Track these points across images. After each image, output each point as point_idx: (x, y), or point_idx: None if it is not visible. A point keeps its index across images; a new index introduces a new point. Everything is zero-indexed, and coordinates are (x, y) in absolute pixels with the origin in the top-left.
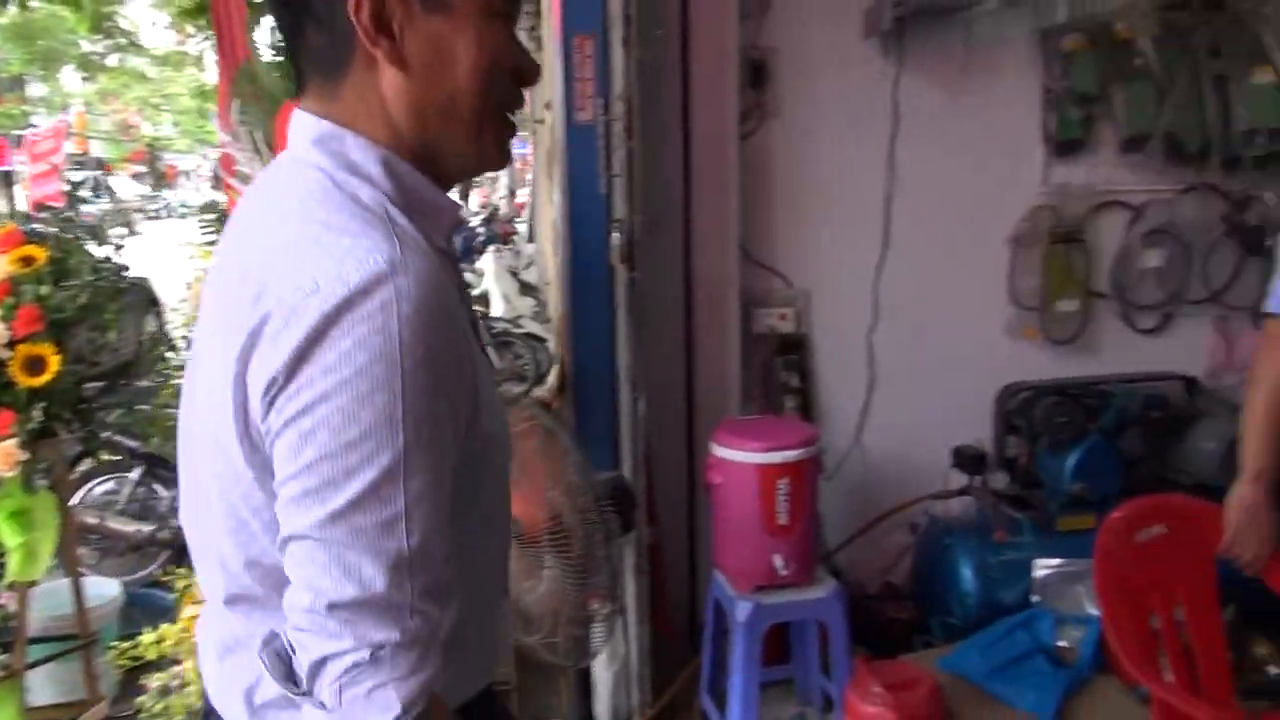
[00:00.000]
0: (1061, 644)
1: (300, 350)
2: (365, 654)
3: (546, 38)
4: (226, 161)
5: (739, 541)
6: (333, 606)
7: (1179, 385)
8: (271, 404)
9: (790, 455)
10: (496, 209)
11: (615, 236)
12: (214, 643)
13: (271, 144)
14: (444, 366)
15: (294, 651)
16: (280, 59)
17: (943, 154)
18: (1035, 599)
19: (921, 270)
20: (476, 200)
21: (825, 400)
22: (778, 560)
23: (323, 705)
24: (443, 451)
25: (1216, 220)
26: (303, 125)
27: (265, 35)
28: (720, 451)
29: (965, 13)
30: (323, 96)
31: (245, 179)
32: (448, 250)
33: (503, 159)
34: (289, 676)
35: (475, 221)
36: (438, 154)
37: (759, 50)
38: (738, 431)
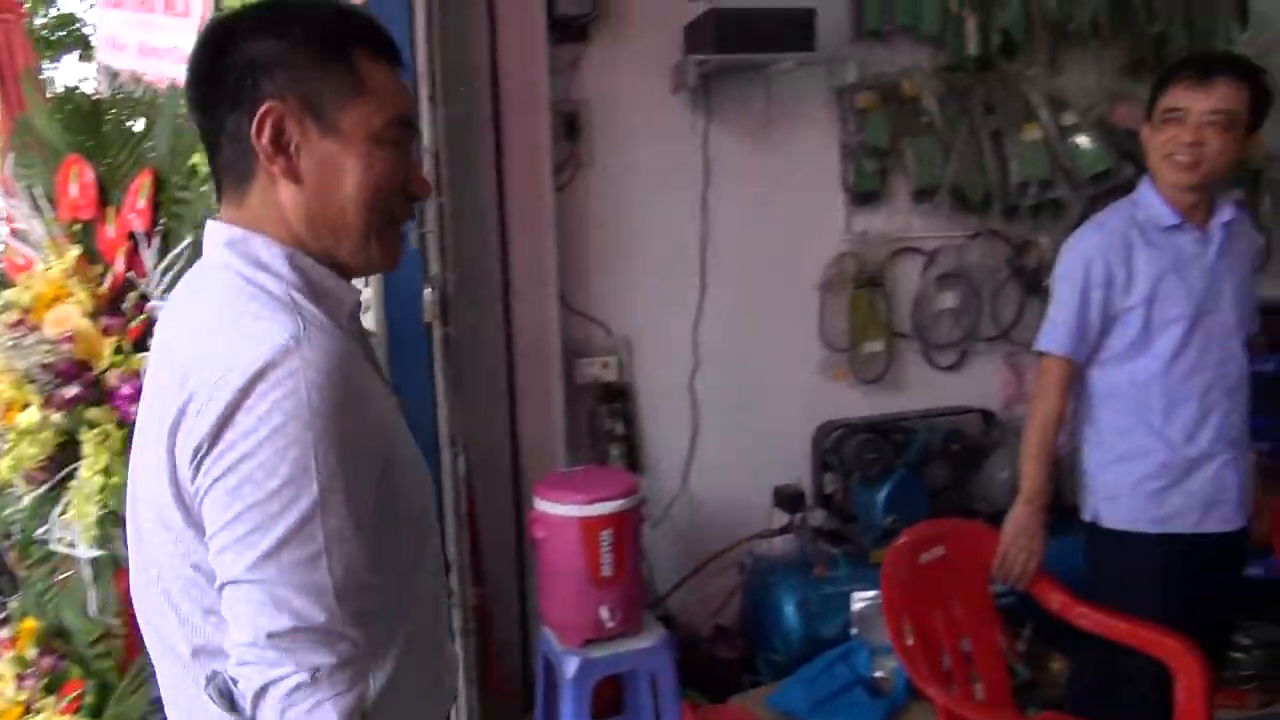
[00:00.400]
0: (878, 674)
1: (222, 418)
2: (305, 676)
3: None
4: (7, 219)
5: (565, 595)
6: (271, 636)
7: (977, 418)
8: (199, 468)
9: (612, 506)
10: None
11: (428, 293)
12: (184, 697)
13: (52, 198)
14: (350, 424)
15: (235, 684)
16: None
17: (753, 203)
18: (854, 631)
19: (738, 315)
20: None
21: (651, 447)
22: (604, 612)
23: None
24: (357, 495)
25: (1001, 264)
26: (215, 232)
27: (48, 83)
28: (543, 506)
29: (765, 71)
30: (233, 203)
31: (24, 237)
32: (354, 329)
33: (390, 263)
34: (231, 708)
35: None
36: (333, 255)
37: (572, 103)
38: (559, 485)
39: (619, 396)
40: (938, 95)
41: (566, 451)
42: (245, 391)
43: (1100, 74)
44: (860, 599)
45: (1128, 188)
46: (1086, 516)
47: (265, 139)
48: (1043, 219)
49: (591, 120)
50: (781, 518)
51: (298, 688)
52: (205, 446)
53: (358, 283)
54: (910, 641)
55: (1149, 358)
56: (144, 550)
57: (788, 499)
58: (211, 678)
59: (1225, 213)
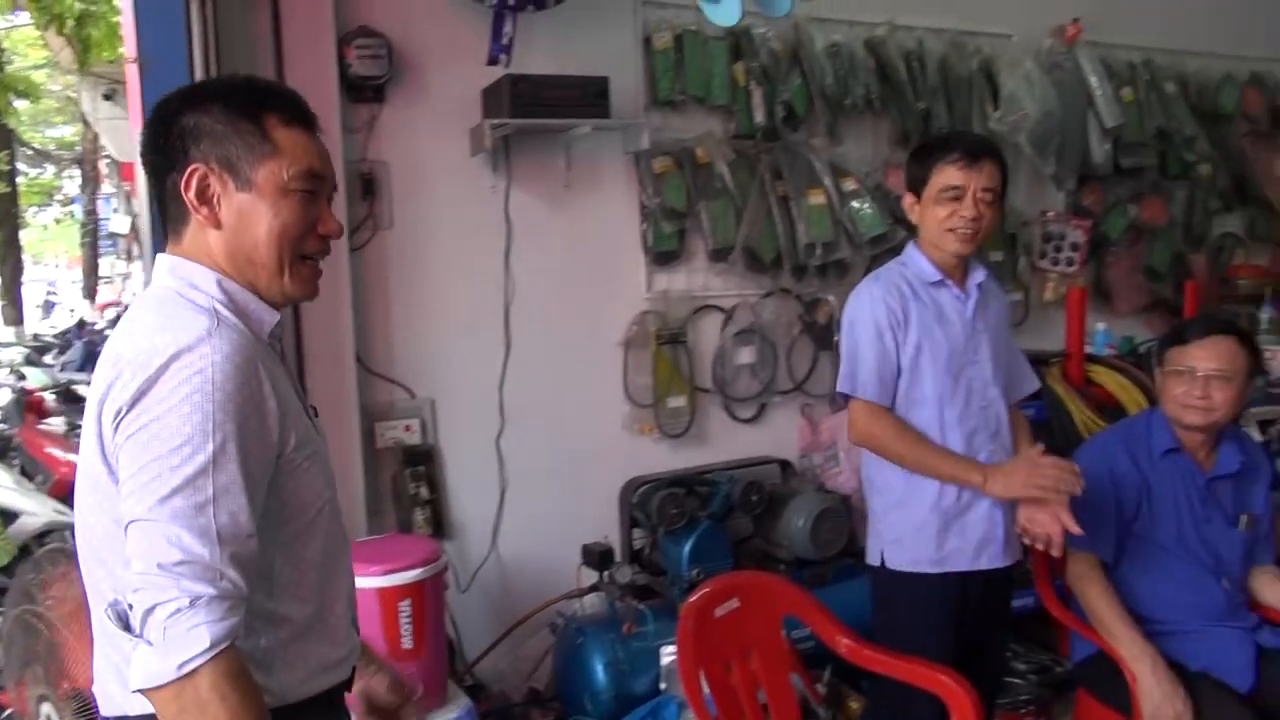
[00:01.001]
0: None
1: (141, 389)
2: (186, 601)
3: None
4: None
5: None
6: (161, 566)
7: (776, 467)
8: (118, 428)
9: (410, 576)
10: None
11: None
12: (104, 636)
13: None
14: (245, 404)
15: (130, 609)
16: None
17: (556, 263)
18: (663, 686)
19: (544, 374)
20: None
21: (458, 509)
22: None
23: (149, 642)
24: (245, 461)
25: (794, 320)
26: (162, 262)
27: None
28: None
29: (564, 135)
30: (174, 241)
31: None
32: (274, 346)
33: (306, 292)
34: (126, 629)
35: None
36: (254, 285)
37: (368, 164)
38: (357, 555)
39: (423, 459)
40: (729, 161)
41: (368, 519)
42: (162, 369)
43: (875, 144)
44: (668, 653)
45: (901, 249)
46: (874, 560)
47: (192, 193)
48: (829, 278)
49: (390, 181)
50: (590, 576)
51: (178, 610)
52: (124, 410)
53: None
54: (707, 694)
55: (920, 404)
56: (82, 515)
57: (596, 556)
58: (113, 604)
59: (978, 274)
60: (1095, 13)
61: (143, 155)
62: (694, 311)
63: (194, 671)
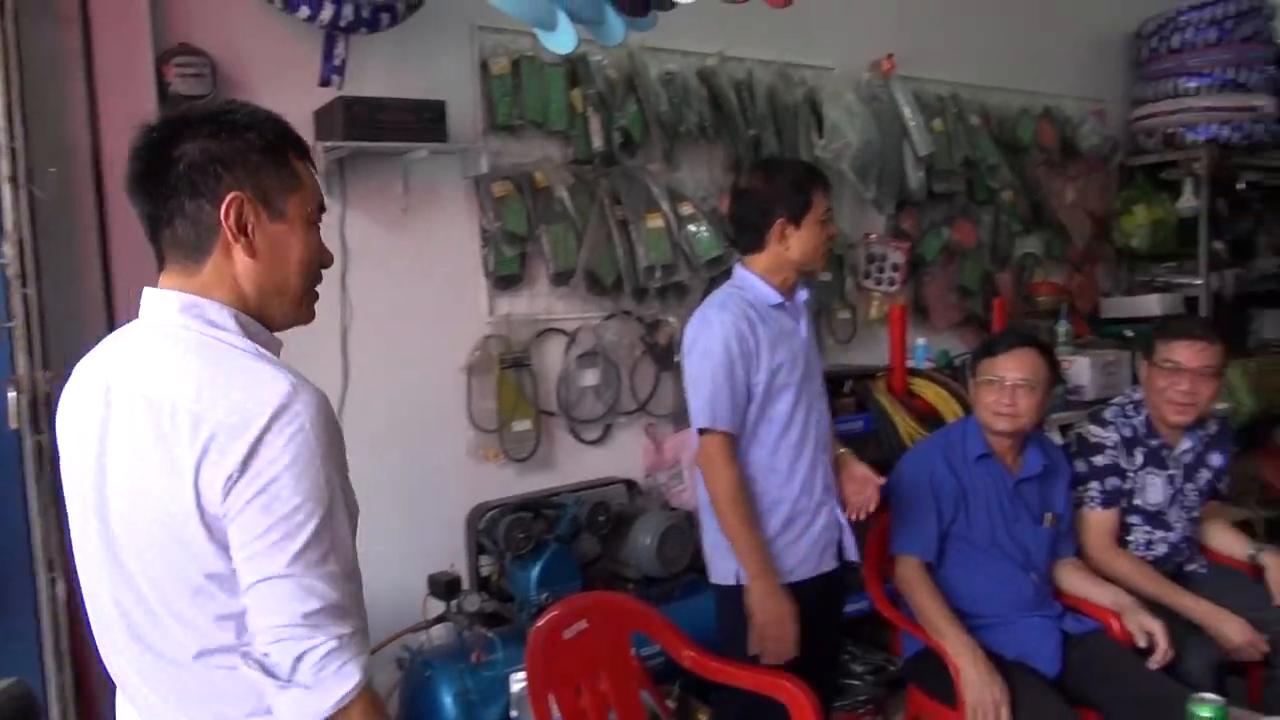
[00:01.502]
0: None
1: (249, 452)
2: (335, 643)
3: None
4: None
5: None
6: (306, 615)
7: (622, 488)
8: (229, 493)
9: None
10: None
11: (13, 396)
12: (175, 695)
13: None
14: (339, 453)
15: (265, 658)
16: None
17: (396, 287)
18: (514, 714)
19: (385, 400)
20: None
21: None
22: None
23: (305, 686)
24: (346, 503)
25: (636, 341)
26: (165, 299)
27: None
28: None
29: (402, 158)
30: (183, 273)
31: None
32: None
33: (310, 318)
34: (270, 675)
35: None
36: (269, 314)
37: None
38: None
39: None
40: (569, 186)
41: None
42: (266, 429)
43: (710, 169)
44: (518, 680)
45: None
46: (725, 579)
47: (231, 222)
48: (669, 300)
49: None
50: (438, 606)
51: (329, 652)
52: (236, 475)
53: None
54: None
55: (772, 422)
56: (127, 570)
57: (443, 586)
58: (245, 656)
59: (803, 293)
60: (907, 49)
61: (141, 176)
62: (537, 335)
63: (347, 706)
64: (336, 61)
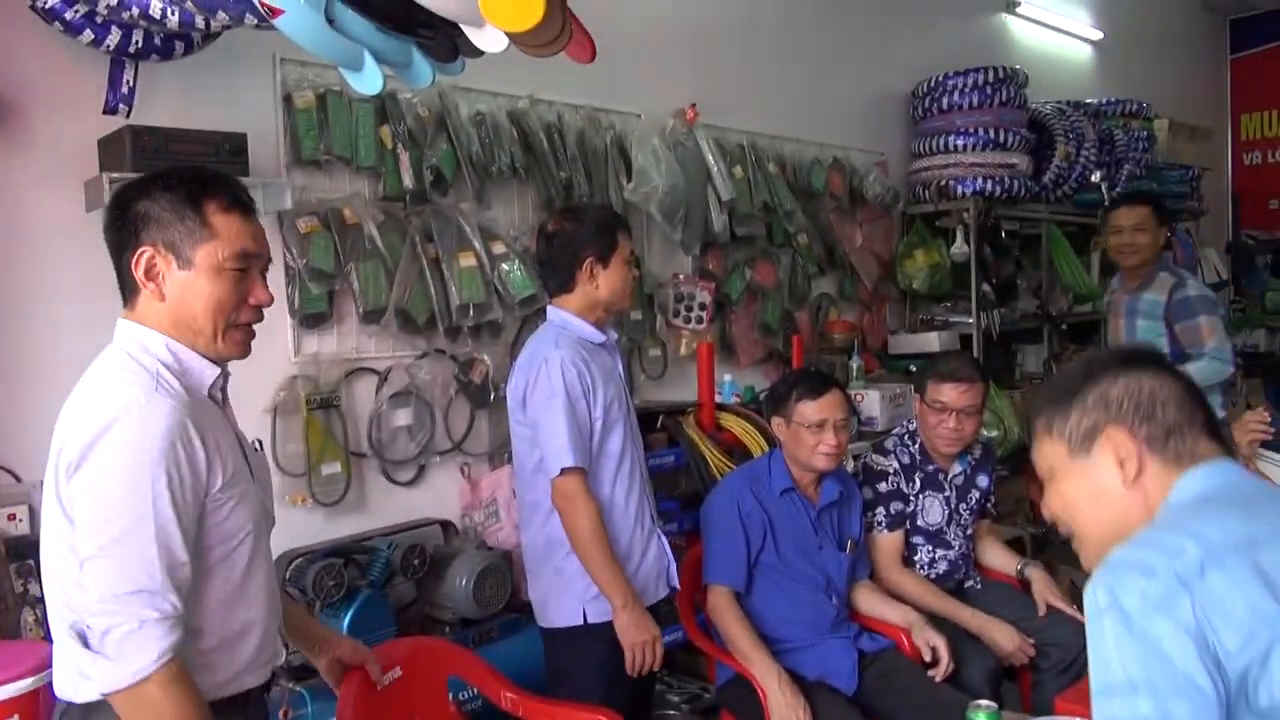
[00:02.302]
0: None
1: (85, 449)
2: (136, 624)
3: None
4: None
5: None
6: (115, 595)
7: (438, 529)
8: (70, 480)
9: (19, 687)
10: None
11: None
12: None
13: None
14: (172, 456)
15: (87, 629)
16: None
17: None
18: None
19: None
20: None
21: None
22: None
23: (108, 657)
24: (175, 503)
25: (450, 380)
26: (121, 325)
27: None
28: None
29: None
30: (130, 306)
31: None
32: (218, 397)
33: (240, 353)
34: (85, 645)
35: None
36: (195, 346)
37: None
38: None
39: (32, 552)
40: (379, 223)
41: None
42: (102, 431)
43: (522, 209)
44: None
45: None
46: (570, 620)
47: (140, 271)
48: (483, 338)
49: None
50: None
51: (130, 632)
52: (74, 466)
53: None
54: None
55: (609, 457)
56: (45, 543)
57: None
58: (73, 625)
59: (613, 333)
60: (709, 99)
61: (105, 235)
62: (347, 375)
63: (145, 679)
64: (124, 89)
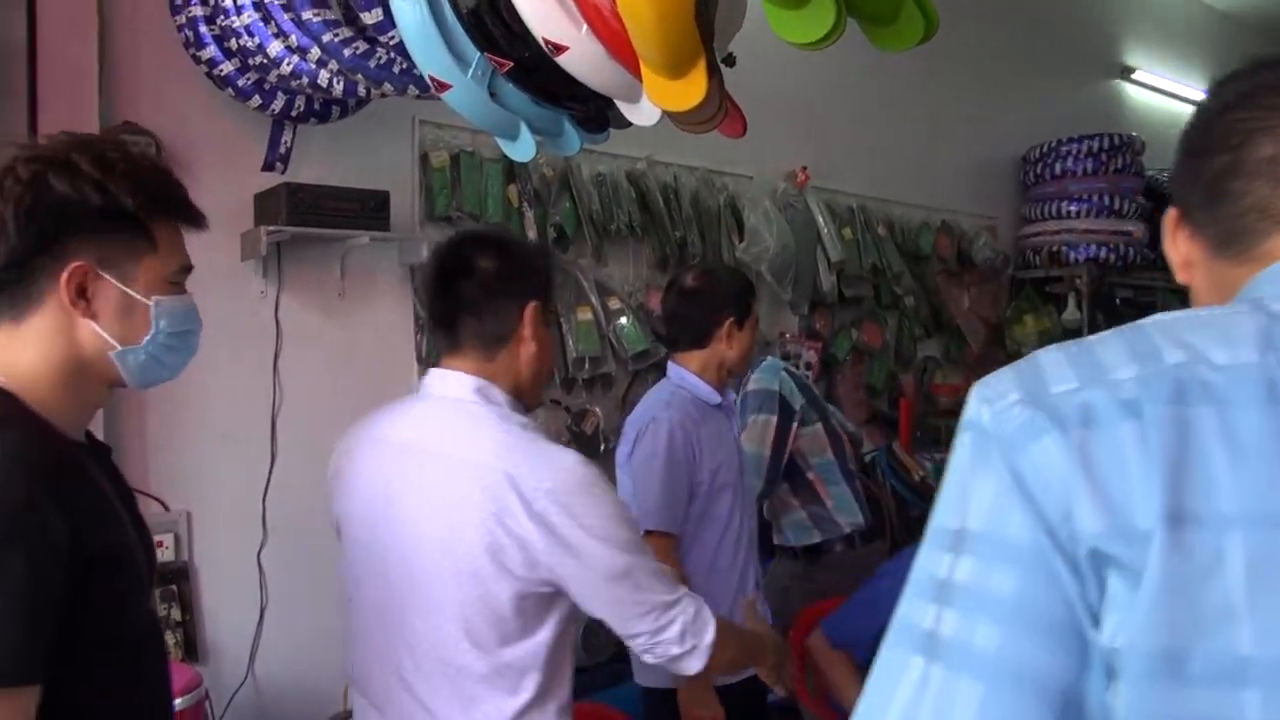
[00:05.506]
0: None
1: None
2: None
3: None
4: None
5: None
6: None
7: None
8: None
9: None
10: None
11: None
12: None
13: None
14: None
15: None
16: None
17: (327, 372)
18: None
19: (310, 486)
20: None
21: (212, 631)
22: None
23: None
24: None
25: (563, 430)
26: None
27: None
28: None
29: (341, 244)
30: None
31: None
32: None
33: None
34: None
35: None
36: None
37: None
38: None
39: (176, 578)
40: None
41: None
42: None
43: (637, 266)
44: None
45: (660, 365)
46: (654, 681)
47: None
48: (596, 390)
49: None
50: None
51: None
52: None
53: None
54: None
55: (715, 521)
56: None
57: None
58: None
59: (730, 394)
60: (820, 162)
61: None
62: None
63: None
64: (282, 149)
